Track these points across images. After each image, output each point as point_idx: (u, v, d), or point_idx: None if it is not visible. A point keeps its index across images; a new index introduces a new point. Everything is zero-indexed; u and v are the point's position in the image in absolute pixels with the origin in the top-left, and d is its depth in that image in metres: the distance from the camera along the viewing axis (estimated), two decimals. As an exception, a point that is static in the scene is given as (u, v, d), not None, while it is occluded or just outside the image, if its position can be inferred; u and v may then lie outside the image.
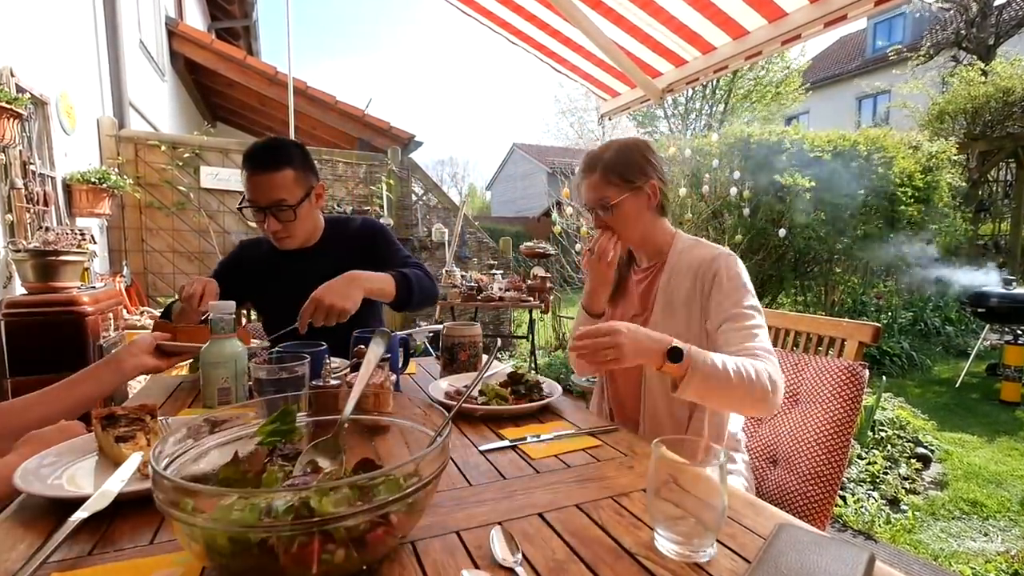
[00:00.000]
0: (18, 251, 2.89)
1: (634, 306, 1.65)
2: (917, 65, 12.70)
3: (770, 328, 1.88)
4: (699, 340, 1.46)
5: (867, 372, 1.51)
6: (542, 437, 1.23)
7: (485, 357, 1.67)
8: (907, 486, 3.23)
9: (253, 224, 1.89)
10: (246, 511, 0.62)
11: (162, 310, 1.88)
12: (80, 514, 0.78)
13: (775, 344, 1.85)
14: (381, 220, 5.95)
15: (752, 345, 1.35)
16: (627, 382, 1.64)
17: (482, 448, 1.17)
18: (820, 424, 1.53)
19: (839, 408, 1.51)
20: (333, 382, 1.20)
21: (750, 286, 1.46)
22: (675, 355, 1.20)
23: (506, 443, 1.20)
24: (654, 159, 1.57)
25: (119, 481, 0.86)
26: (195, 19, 8.38)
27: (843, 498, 2.98)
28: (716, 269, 1.46)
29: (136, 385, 3.23)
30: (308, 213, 1.87)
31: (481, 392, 1.43)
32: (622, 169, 1.54)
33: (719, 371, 1.21)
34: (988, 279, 6.09)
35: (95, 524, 0.81)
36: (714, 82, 15.23)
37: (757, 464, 1.64)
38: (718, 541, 0.80)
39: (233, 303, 1.34)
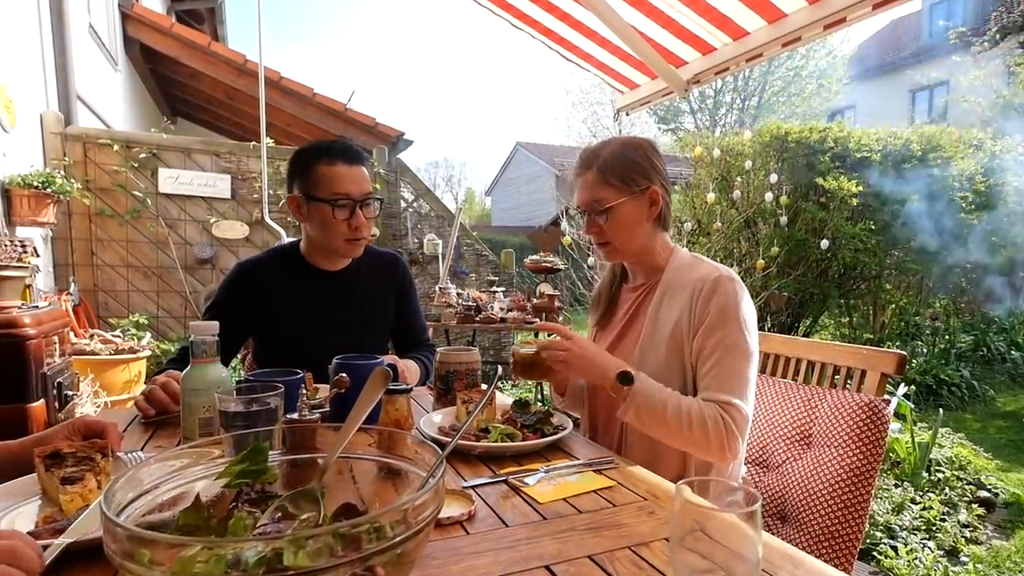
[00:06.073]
0: (-51, 265, 2.90)
1: (621, 327, 1.68)
2: (979, 53, 12.77)
3: (778, 357, 1.89)
4: (682, 367, 1.50)
5: (890, 409, 1.50)
6: (541, 470, 1.24)
7: (484, 387, 1.67)
8: (967, 534, 3.22)
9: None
10: (211, 563, 0.62)
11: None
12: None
13: (783, 376, 1.87)
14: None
15: (722, 389, 1.42)
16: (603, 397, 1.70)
17: (466, 484, 1.18)
18: (836, 473, 1.50)
19: (858, 453, 1.48)
20: (311, 415, 1.21)
21: (747, 317, 1.48)
22: (625, 379, 1.36)
23: (492, 478, 1.22)
24: (659, 163, 1.60)
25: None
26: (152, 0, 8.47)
27: (894, 548, 2.95)
28: (712, 295, 1.47)
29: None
30: None
31: (485, 430, 1.42)
32: (623, 169, 1.55)
33: (656, 406, 1.38)
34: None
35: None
36: (746, 72, 15.38)
37: (763, 520, 1.64)
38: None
39: (216, 324, 1.34)
